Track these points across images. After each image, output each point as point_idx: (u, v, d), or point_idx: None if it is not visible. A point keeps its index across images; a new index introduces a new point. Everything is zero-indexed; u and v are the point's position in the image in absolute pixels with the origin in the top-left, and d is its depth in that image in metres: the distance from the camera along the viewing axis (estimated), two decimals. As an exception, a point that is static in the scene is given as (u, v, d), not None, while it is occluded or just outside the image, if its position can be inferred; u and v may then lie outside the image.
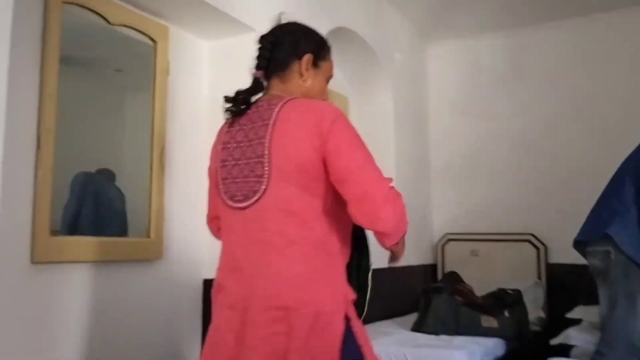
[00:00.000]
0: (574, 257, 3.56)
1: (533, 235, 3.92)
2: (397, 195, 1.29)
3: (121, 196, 2.24)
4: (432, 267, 4.25)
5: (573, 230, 3.54)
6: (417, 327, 3.09)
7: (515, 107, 4.12)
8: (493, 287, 3.34)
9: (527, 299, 3.31)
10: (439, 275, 4.14)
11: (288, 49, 1.41)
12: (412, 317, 3.28)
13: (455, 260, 4.15)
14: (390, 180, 1.29)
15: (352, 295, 1.34)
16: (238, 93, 1.40)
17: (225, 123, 1.45)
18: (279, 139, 1.30)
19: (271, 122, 1.32)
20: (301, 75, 1.41)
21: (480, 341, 2.87)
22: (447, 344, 2.78)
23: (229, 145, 1.40)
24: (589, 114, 3.87)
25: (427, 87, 4.46)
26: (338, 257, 1.34)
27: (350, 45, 3.52)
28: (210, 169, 1.48)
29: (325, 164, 1.28)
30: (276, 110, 1.33)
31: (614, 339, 2.34)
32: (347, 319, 1.29)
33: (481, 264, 3.92)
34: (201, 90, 2.58)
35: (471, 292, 3.32)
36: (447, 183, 4.32)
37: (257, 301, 1.27)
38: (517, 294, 3.21)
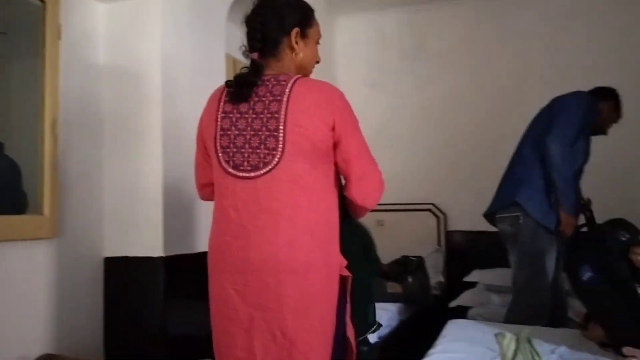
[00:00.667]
0: (471, 225, 3.80)
1: (434, 204, 4.12)
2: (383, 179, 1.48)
3: (12, 168, 2.05)
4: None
5: (470, 199, 3.77)
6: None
7: (419, 82, 4.25)
8: (398, 255, 3.48)
9: (429, 265, 3.49)
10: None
11: (276, 26, 1.47)
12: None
13: (362, 230, 4.25)
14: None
15: (344, 262, 1.49)
16: (242, 78, 1.44)
17: (221, 92, 1.49)
18: (295, 116, 1.38)
19: (284, 98, 1.39)
20: (292, 49, 1.49)
21: (387, 307, 2.99)
22: (355, 311, 2.86)
23: (231, 115, 1.44)
24: (487, 89, 4.08)
25: (336, 59, 4.48)
26: (336, 229, 1.48)
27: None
28: (202, 135, 1.52)
29: (334, 143, 1.41)
30: (288, 87, 1.40)
31: (522, 298, 2.53)
32: (343, 282, 1.47)
33: (387, 233, 4.06)
34: (97, 57, 2.40)
35: (378, 261, 3.44)
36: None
37: (268, 265, 1.38)
38: (420, 260, 3.37)
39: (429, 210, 4.14)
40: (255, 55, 1.46)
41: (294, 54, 1.49)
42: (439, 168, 4.13)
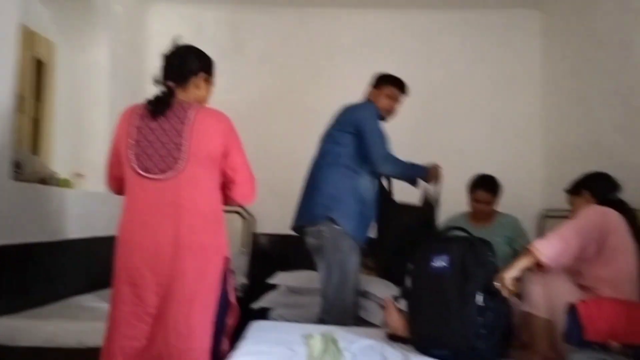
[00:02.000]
0: (277, 228, 3.88)
1: (242, 207, 4.11)
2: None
3: None
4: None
5: (277, 202, 3.84)
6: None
7: (235, 81, 4.20)
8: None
9: (234, 267, 3.45)
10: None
11: (190, 66, 2.00)
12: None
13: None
14: None
15: (228, 253, 2.01)
16: (160, 98, 1.92)
17: (132, 109, 1.96)
18: (197, 134, 1.87)
19: (188, 120, 1.88)
20: (197, 87, 2.02)
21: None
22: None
23: (142, 130, 1.89)
24: (293, 98, 4.22)
25: (149, 48, 4.20)
26: (222, 218, 2.00)
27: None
28: (117, 144, 1.96)
29: (224, 157, 1.94)
30: (192, 113, 1.90)
31: (331, 306, 2.62)
32: (227, 260, 1.98)
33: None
34: None
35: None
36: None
37: (172, 243, 1.86)
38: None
39: (238, 212, 4.12)
40: (171, 84, 1.94)
41: (197, 90, 2.01)
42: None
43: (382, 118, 2.84)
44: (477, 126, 4.21)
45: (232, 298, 2.04)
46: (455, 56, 4.27)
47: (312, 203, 2.70)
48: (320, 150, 2.80)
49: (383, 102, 2.82)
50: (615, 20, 3.20)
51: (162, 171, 1.86)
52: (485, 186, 3.22)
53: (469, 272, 1.97)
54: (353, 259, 2.62)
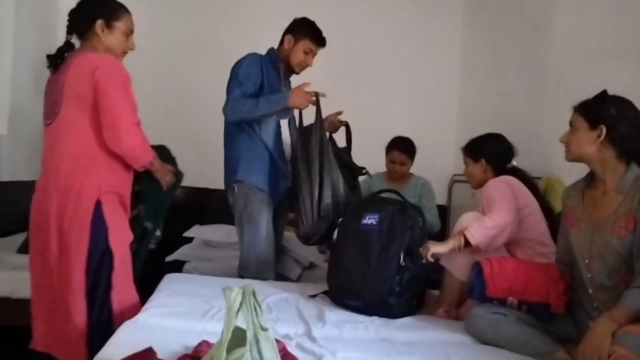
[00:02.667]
0: (195, 181, 3.79)
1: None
2: (138, 130, 2.00)
3: None
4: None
5: (194, 155, 3.73)
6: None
7: (151, 27, 3.95)
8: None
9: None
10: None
11: (85, 16, 2.02)
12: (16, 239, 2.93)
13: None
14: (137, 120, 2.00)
15: (108, 187, 1.96)
16: (52, 54, 2.02)
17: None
18: (69, 79, 1.92)
19: (66, 67, 1.95)
20: (98, 35, 2.01)
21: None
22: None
23: (49, 82, 2.04)
24: (212, 46, 4.07)
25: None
26: (97, 158, 1.96)
27: None
28: None
29: (96, 99, 1.91)
30: (70, 60, 1.96)
31: (247, 261, 2.60)
32: (99, 203, 1.93)
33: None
34: None
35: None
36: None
37: (49, 188, 1.94)
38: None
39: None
40: (69, 37, 2.03)
41: (99, 39, 2.01)
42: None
43: (293, 71, 2.74)
44: (398, 91, 4.28)
45: (114, 245, 1.95)
46: (379, 21, 4.28)
47: (225, 168, 2.69)
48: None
49: (298, 56, 2.67)
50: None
51: (50, 117, 1.98)
52: (400, 147, 3.31)
53: (396, 233, 2.08)
54: (264, 213, 2.60)
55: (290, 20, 2.73)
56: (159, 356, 1.40)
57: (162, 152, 2.27)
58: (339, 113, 2.76)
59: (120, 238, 1.99)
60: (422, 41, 4.31)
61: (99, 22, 1.99)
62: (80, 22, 2.02)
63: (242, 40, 3.94)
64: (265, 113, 2.51)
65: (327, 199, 2.47)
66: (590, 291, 1.73)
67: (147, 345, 1.43)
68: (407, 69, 4.30)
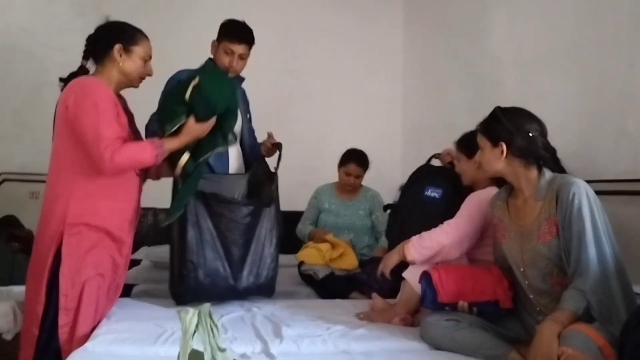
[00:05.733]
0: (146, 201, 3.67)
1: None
2: (116, 149, 1.89)
3: None
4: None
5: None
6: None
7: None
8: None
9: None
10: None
11: (100, 41, 2.02)
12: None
13: (12, 203, 3.71)
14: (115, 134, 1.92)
15: (75, 219, 1.91)
16: (68, 75, 2.03)
17: None
18: (57, 106, 1.96)
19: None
20: (115, 60, 2.00)
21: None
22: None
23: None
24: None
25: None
26: (71, 184, 1.94)
27: None
28: None
29: (72, 125, 1.91)
30: (68, 85, 1.98)
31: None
32: (62, 235, 1.91)
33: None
34: None
35: (31, 237, 3.02)
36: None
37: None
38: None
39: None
40: (84, 62, 2.05)
41: (117, 64, 2.00)
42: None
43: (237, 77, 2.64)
44: (345, 104, 4.36)
45: (64, 279, 1.89)
46: (323, 36, 4.36)
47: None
48: None
49: (222, 59, 2.56)
50: (467, 9, 3.47)
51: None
52: (357, 160, 3.34)
53: (453, 209, 2.18)
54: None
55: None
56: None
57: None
58: (270, 136, 2.64)
59: (78, 270, 1.91)
60: (364, 55, 4.42)
61: (117, 47, 1.99)
62: (97, 47, 2.02)
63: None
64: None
65: None
66: (531, 296, 1.79)
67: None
68: (352, 83, 4.39)
